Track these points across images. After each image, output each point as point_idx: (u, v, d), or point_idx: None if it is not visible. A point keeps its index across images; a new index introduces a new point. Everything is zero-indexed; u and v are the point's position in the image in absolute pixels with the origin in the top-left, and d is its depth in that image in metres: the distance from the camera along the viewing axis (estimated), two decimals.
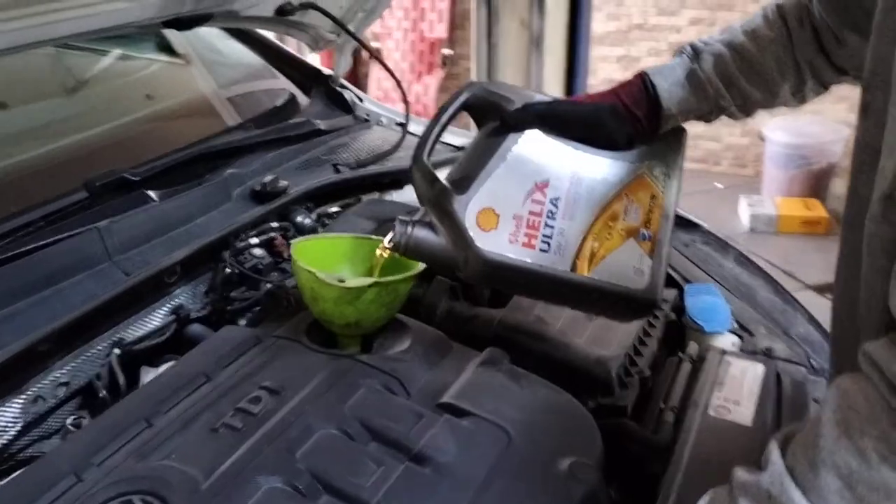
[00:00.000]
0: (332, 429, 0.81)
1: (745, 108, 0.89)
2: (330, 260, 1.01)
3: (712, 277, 1.32)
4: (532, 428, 0.85)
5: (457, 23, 5.19)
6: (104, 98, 1.60)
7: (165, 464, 0.76)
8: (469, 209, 0.87)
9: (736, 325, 1.22)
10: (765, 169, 4.44)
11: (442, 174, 0.92)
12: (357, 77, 5.80)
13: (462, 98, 0.90)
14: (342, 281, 0.90)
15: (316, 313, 0.96)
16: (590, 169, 0.89)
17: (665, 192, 0.92)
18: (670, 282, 1.31)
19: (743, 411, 0.95)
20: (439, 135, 0.89)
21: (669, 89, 0.87)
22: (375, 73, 5.68)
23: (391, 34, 5.49)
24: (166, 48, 1.72)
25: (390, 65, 5.51)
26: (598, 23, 4.87)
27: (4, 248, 0.97)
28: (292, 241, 0.98)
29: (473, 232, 0.86)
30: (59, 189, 1.15)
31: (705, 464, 0.83)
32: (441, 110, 0.89)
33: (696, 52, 0.88)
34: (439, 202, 0.88)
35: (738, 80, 0.86)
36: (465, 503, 0.74)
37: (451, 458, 0.79)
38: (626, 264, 0.89)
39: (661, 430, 0.96)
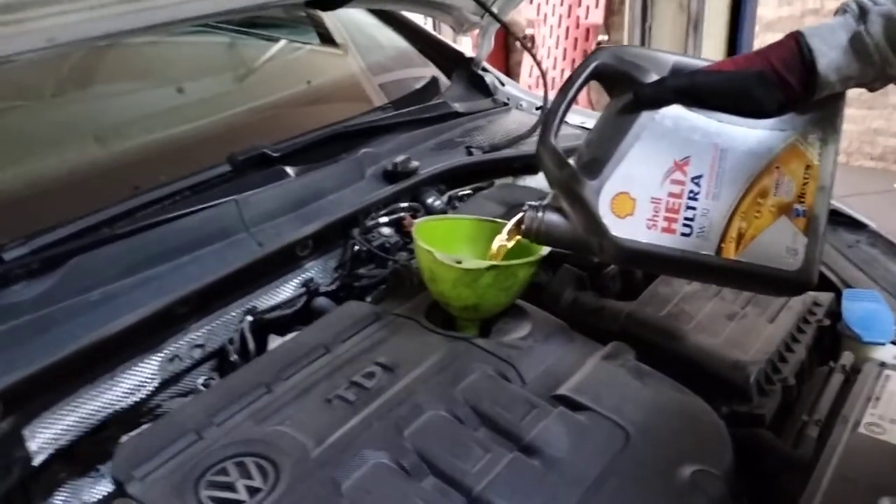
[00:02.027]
0: (442, 410, 0.80)
1: None
2: (452, 241, 1.00)
3: (876, 283, 1.18)
4: (654, 430, 0.80)
5: (614, 8, 5.03)
6: (270, 86, 1.68)
7: (280, 429, 0.78)
8: (603, 195, 0.82)
9: None
10: None
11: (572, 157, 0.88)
12: (509, 65, 5.79)
13: (590, 68, 0.83)
14: (460, 263, 0.88)
15: (434, 294, 0.95)
16: (735, 141, 0.81)
17: (821, 162, 0.82)
18: (828, 284, 1.18)
19: None
20: (567, 110, 0.84)
21: (828, 53, 0.76)
22: (528, 60, 5.63)
23: (546, 20, 5.42)
24: (327, 39, 1.79)
25: (544, 52, 5.49)
26: (769, 7, 4.54)
27: (152, 215, 1.04)
28: (415, 221, 0.98)
29: (608, 219, 0.82)
30: (206, 162, 1.22)
31: (850, 486, 0.74)
32: (568, 82, 0.84)
33: (862, 12, 0.76)
34: (570, 187, 0.83)
35: None
36: (573, 501, 0.70)
37: (562, 452, 0.76)
38: (778, 244, 0.81)
39: (803, 444, 0.86)
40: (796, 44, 0.78)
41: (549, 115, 0.84)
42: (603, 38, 5.09)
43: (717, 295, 1.07)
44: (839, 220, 1.33)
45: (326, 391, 0.83)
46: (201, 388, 0.97)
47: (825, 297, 1.11)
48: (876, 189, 4.05)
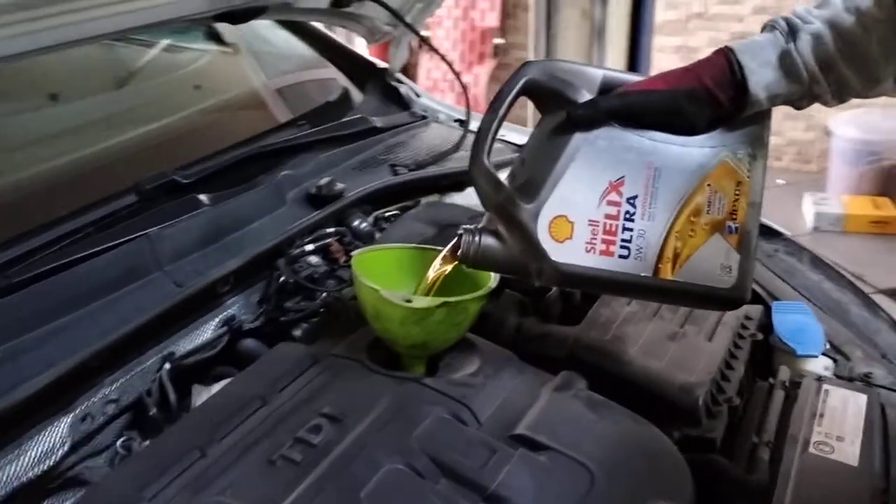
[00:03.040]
0: (399, 464, 0.74)
1: (840, 95, 0.78)
2: (392, 272, 0.94)
3: (800, 293, 1.21)
4: (616, 466, 0.77)
5: (509, 11, 5.07)
6: (154, 90, 1.56)
7: (221, 500, 0.70)
8: (541, 219, 0.79)
9: (829, 347, 1.11)
10: (831, 165, 4.24)
11: (503, 175, 0.85)
12: (406, 68, 5.73)
13: (519, 84, 0.80)
14: (409, 301, 0.82)
15: (378, 332, 0.89)
16: (668, 159, 0.80)
17: (751, 177, 0.82)
18: (755, 297, 1.20)
19: (847, 449, 0.86)
20: (497, 129, 0.80)
21: (758, 71, 0.76)
22: (425, 62, 5.60)
23: (441, 22, 5.40)
24: (215, 37, 1.68)
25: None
26: (656, 11, 4.71)
27: (52, 258, 0.92)
28: (353, 254, 0.91)
29: (546, 244, 0.79)
30: (110, 189, 1.11)
31: None
32: (496, 100, 0.80)
33: (791, 30, 0.76)
34: (507, 211, 0.80)
35: (838, 64, 0.75)
36: None
37: (528, 499, 0.72)
38: (712, 262, 0.81)
39: (756, 468, 0.86)
40: (727, 61, 0.77)
41: (480, 135, 0.80)
42: (499, 41, 5.13)
43: (656, 314, 1.06)
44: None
45: (269, 451, 0.76)
46: (120, 449, 0.86)
47: (755, 311, 1.13)
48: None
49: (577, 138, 0.80)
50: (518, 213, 0.79)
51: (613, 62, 2.37)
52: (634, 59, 2.36)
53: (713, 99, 0.77)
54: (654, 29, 4.55)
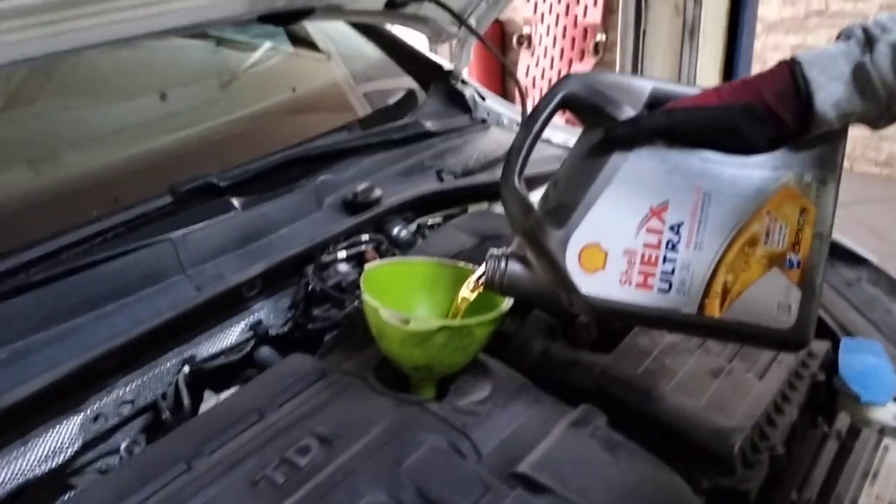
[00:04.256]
0: (382, 495, 0.71)
1: None
2: (407, 288, 0.90)
3: (878, 329, 1.08)
4: None
5: (612, 7, 4.91)
6: (254, 90, 1.60)
7: None
8: (570, 247, 0.72)
9: None
10: None
11: (541, 191, 0.79)
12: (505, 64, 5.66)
13: (557, 99, 0.73)
14: (407, 322, 0.78)
15: (383, 351, 0.85)
16: (721, 183, 0.71)
17: (819, 205, 0.71)
18: (824, 330, 1.08)
19: None
20: (532, 147, 0.74)
21: (827, 86, 0.66)
22: (525, 60, 5.52)
23: (543, 19, 5.31)
24: (309, 44, 1.70)
25: (541, 51, 5.37)
26: (771, 7, 4.42)
27: (76, 257, 0.94)
28: (366, 267, 0.88)
29: (576, 275, 0.72)
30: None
31: None
32: (532, 115, 0.74)
33: (868, 39, 0.65)
34: (535, 237, 0.74)
35: None
36: None
37: None
38: (768, 299, 0.72)
39: None
40: (791, 74, 0.67)
41: (512, 153, 0.74)
42: (601, 37, 4.97)
43: (701, 347, 0.97)
44: (837, 253, 1.23)
45: (254, 470, 0.74)
46: (123, 454, 0.87)
47: (820, 347, 1.02)
48: (881, 197, 3.94)
49: (616, 159, 0.72)
50: (545, 240, 0.73)
51: (708, 62, 2.23)
52: (732, 59, 2.20)
53: (774, 116, 0.68)
54: (765, 27, 4.29)
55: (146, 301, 0.93)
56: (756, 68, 3.48)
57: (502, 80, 5.35)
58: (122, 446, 0.87)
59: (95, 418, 0.88)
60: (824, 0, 4.13)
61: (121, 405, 0.90)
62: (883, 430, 0.86)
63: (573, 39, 5.14)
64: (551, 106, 0.74)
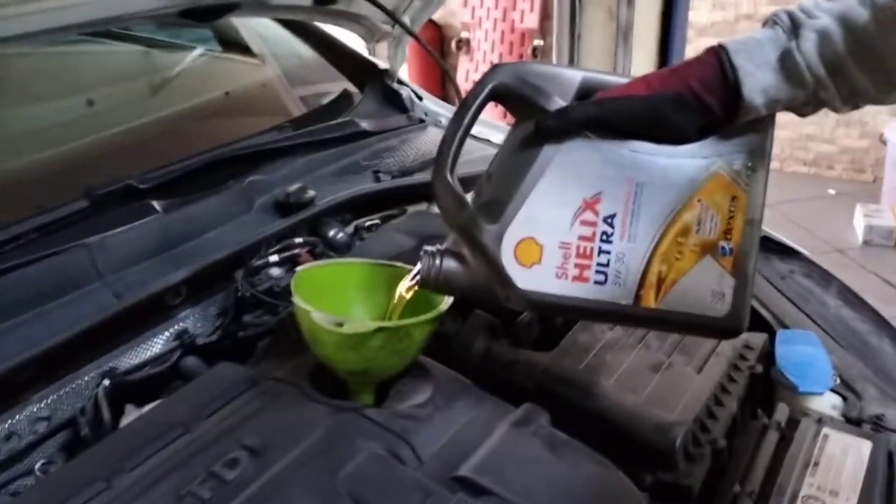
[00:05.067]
0: None
1: (852, 101, 0.66)
2: (342, 291, 0.87)
3: (812, 320, 1.09)
4: None
5: (549, 13, 4.97)
6: (188, 96, 1.54)
7: None
8: (505, 242, 0.71)
9: (838, 382, 1.00)
10: (886, 175, 4.01)
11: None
12: (444, 69, 5.66)
13: (486, 90, 0.72)
14: (341, 325, 0.75)
15: (318, 357, 0.82)
16: (652, 172, 0.70)
17: (749, 192, 0.71)
18: (760, 323, 1.09)
19: None
20: (463, 139, 0.72)
21: (755, 73, 0.65)
22: (464, 64, 5.53)
23: (481, 24, 5.34)
24: (242, 48, 1.65)
25: (479, 56, 5.39)
26: (702, 12, 4.55)
27: None
28: (296, 269, 0.84)
29: (512, 269, 0.71)
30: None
31: None
32: (462, 107, 0.72)
33: (794, 25, 0.65)
34: (469, 232, 0.72)
35: (848, 66, 0.64)
36: None
37: None
38: (702, 288, 0.72)
39: None
40: (718, 61, 0.67)
41: (444, 147, 0.72)
42: (538, 42, 5.02)
43: (642, 341, 0.97)
44: (770, 247, 1.25)
45: (178, 486, 0.69)
46: (38, 473, 0.81)
47: (757, 339, 1.02)
48: (810, 195, 4.08)
49: (547, 151, 0.71)
50: (480, 235, 0.71)
51: (641, 66, 2.26)
52: (665, 62, 2.24)
53: (703, 105, 0.67)
54: (697, 30, 4.40)
55: (62, 310, 0.87)
56: None
57: (442, 84, 5.35)
58: (37, 466, 0.81)
59: (8, 437, 0.82)
60: (753, 4, 4.26)
61: (36, 422, 0.84)
62: (821, 420, 0.87)
63: (511, 44, 5.19)
64: (482, 97, 0.72)
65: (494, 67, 0.74)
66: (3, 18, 0.86)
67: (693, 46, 4.37)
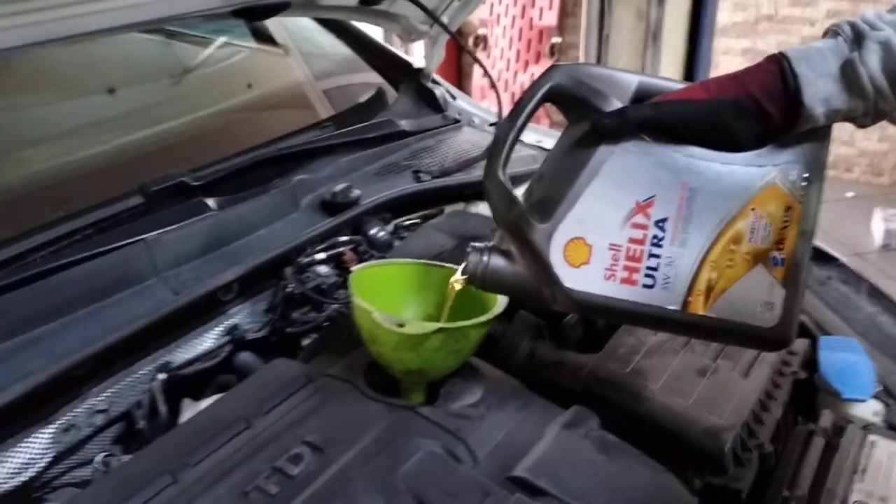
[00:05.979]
0: (379, 502, 0.68)
1: None
2: (395, 290, 0.88)
3: (851, 327, 1.10)
4: None
5: (568, 10, 4.96)
6: (207, 86, 1.55)
7: None
8: (554, 241, 0.71)
9: (881, 389, 1.00)
10: None
11: (522, 189, 0.77)
12: (461, 67, 5.67)
13: (543, 90, 0.72)
14: (402, 325, 0.76)
15: (373, 355, 0.83)
16: (706, 178, 0.71)
17: (804, 203, 0.71)
18: (801, 329, 1.10)
19: None
20: (516, 139, 0.73)
21: (816, 82, 0.65)
22: (482, 61, 5.52)
23: (499, 21, 5.33)
24: (267, 38, 1.66)
25: (497, 53, 5.39)
26: (723, 12, 4.53)
27: (43, 261, 0.89)
28: (352, 269, 0.86)
29: (560, 268, 0.71)
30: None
31: None
32: (516, 107, 0.72)
33: (857, 36, 0.66)
34: (518, 230, 0.73)
35: None
36: None
37: None
38: (752, 297, 0.72)
39: None
40: (779, 69, 0.67)
41: (497, 145, 0.73)
42: (556, 40, 5.01)
43: (686, 346, 0.97)
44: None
45: (244, 481, 0.71)
46: (97, 466, 0.83)
47: (800, 345, 1.03)
48: (827, 197, 4.04)
49: (602, 152, 0.72)
50: (530, 233, 0.72)
51: (669, 65, 2.25)
52: (693, 62, 2.24)
53: (762, 112, 0.68)
54: (717, 31, 4.38)
55: (120, 306, 0.89)
56: (711, 72, 3.55)
57: (458, 82, 5.35)
58: (99, 458, 0.83)
59: (67, 429, 0.83)
60: (773, 5, 4.24)
61: (93, 414, 0.86)
62: (867, 427, 0.88)
63: (529, 41, 5.17)
64: (537, 97, 0.73)
65: (551, 68, 0.74)
66: (66, 18, 0.87)
67: (714, 46, 4.37)
